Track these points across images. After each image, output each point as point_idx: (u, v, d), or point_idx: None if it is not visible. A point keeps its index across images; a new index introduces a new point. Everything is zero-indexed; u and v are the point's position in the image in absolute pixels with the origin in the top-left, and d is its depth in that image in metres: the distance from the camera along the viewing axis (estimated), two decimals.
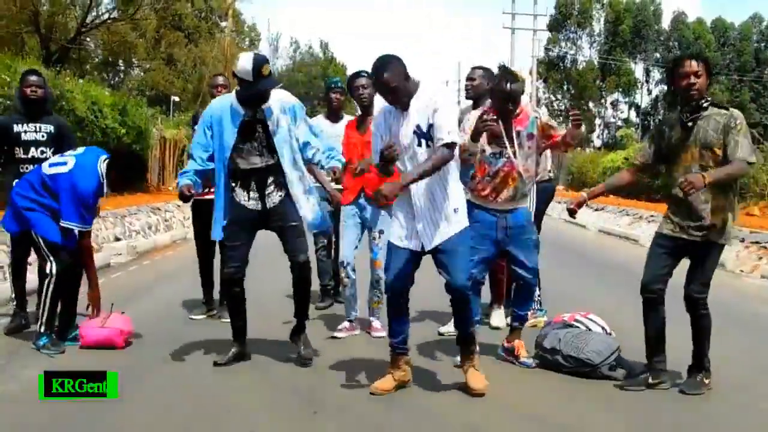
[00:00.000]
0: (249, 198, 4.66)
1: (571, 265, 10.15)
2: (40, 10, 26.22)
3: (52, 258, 4.95)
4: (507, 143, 4.71)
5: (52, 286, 4.94)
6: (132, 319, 5.31)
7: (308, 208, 4.69)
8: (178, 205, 14.07)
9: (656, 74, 56.59)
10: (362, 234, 5.64)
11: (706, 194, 4.20)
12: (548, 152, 5.72)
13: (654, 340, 4.43)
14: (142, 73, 38.69)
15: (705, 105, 4.24)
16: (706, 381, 4.37)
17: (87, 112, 13.42)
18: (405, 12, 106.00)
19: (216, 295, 6.13)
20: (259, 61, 4.47)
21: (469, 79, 5.86)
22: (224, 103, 4.66)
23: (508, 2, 39.99)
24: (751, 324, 6.65)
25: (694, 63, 4.22)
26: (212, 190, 5.76)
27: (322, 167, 4.77)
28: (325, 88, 6.96)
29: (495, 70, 5.54)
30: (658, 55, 56.84)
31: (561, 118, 57.06)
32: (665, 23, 57.01)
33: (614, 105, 59.35)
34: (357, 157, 5.24)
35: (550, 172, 6.38)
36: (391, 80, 4.03)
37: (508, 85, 4.61)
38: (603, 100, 58.33)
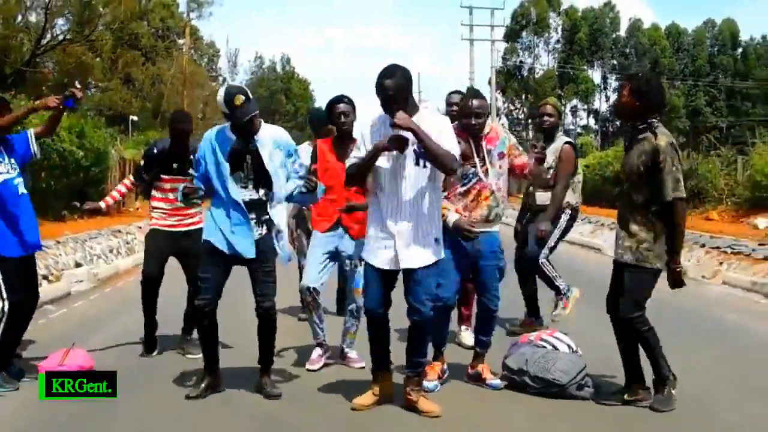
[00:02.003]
0: None
1: None
2: None
3: (3, 293, 4.67)
4: (477, 162, 4.73)
5: (2, 324, 4.65)
6: (97, 349, 5.20)
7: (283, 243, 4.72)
8: (140, 227, 13.89)
9: (613, 81, 57.46)
10: (332, 264, 5.38)
11: (633, 216, 4.31)
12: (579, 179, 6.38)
13: (627, 356, 4.46)
14: (99, 94, 38.22)
15: (640, 127, 4.30)
16: (673, 391, 4.37)
17: None
18: (363, 26, 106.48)
19: (173, 331, 5.86)
20: (230, 93, 4.44)
21: (449, 104, 6.04)
22: (219, 131, 4.63)
23: (465, 14, 40.36)
24: (714, 332, 6.70)
25: (624, 86, 4.37)
26: (167, 221, 5.61)
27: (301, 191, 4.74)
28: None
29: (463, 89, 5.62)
30: (614, 62, 57.77)
31: (521, 126, 57.82)
32: (623, 30, 58.06)
33: (573, 112, 60.15)
34: (336, 184, 5.06)
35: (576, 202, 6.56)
36: (391, 88, 4.08)
37: (472, 101, 4.74)
38: (562, 108, 59.08)
